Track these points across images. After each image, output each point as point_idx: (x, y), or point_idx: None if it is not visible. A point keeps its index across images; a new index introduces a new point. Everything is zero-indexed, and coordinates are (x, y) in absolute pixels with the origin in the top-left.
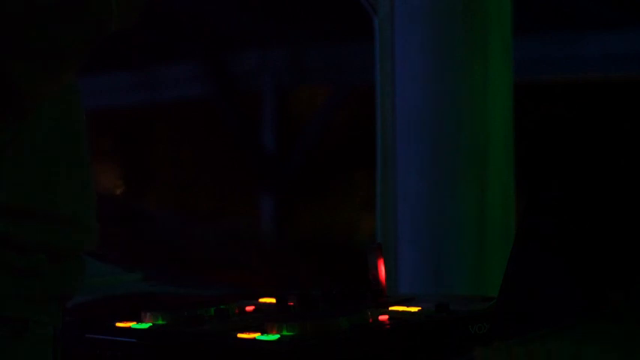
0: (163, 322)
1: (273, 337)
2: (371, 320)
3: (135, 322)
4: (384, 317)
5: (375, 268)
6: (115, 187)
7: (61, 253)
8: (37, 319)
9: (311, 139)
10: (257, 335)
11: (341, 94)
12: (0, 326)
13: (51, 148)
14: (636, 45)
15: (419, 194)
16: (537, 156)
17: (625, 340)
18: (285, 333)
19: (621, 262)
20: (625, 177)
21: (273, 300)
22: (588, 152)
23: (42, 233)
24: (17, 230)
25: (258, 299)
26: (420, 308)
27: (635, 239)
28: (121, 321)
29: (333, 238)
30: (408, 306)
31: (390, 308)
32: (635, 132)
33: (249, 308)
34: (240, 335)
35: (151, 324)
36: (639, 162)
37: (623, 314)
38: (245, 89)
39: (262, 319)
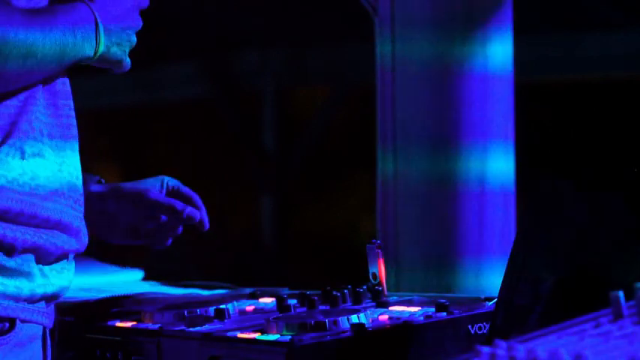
0: (164, 322)
1: (273, 337)
2: (371, 320)
3: (135, 322)
4: (384, 317)
5: (375, 267)
6: None
7: (49, 254)
8: (25, 318)
9: (311, 139)
10: (257, 335)
11: (341, 94)
12: None
13: (39, 152)
14: (636, 45)
15: (419, 194)
16: (538, 156)
17: (625, 337)
18: (285, 333)
19: (622, 261)
20: (625, 176)
21: (273, 300)
22: (588, 152)
23: (30, 235)
24: (5, 232)
25: (258, 299)
26: (420, 308)
27: (635, 238)
28: (121, 321)
29: (333, 238)
30: (408, 306)
31: (390, 308)
32: (635, 132)
33: (249, 308)
34: (240, 335)
35: (151, 324)
36: (639, 162)
37: (623, 314)
38: (245, 89)
39: (262, 319)
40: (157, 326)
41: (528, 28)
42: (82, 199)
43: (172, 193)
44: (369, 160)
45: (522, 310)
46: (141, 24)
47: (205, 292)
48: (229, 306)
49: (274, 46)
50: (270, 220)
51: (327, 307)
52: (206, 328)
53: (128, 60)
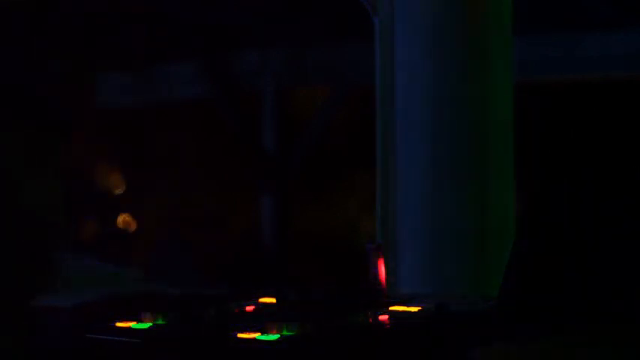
0: (163, 322)
1: (273, 337)
2: (371, 320)
3: (135, 322)
4: (384, 317)
5: (375, 268)
6: (115, 187)
7: (28, 252)
8: (2, 313)
9: (311, 139)
10: (257, 335)
11: (341, 94)
12: None
13: (16, 152)
14: (636, 45)
15: (419, 194)
16: (537, 156)
17: (625, 341)
18: (285, 333)
19: (621, 262)
20: (624, 176)
21: (273, 300)
22: (588, 152)
23: (7, 234)
24: None
25: (258, 299)
26: (420, 308)
27: (635, 238)
28: (121, 321)
29: (333, 238)
30: (408, 306)
31: (390, 308)
32: (635, 132)
33: (249, 308)
34: (240, 335)
35: (150, 324)
36: (639, 162)
37: (624, 314)
38: (245, 89)
39: (262, 319)
40: (156, 326)
41: (528, 28)
42: (61, 197)
43: None
44: (369, 160)
45: (522, 309)
46: None
47: (205, 292)
48: (229, 306)
49: (274, 46)
50: (270, 220)
51: (327, 307)
52: (205, 327)
53: None
